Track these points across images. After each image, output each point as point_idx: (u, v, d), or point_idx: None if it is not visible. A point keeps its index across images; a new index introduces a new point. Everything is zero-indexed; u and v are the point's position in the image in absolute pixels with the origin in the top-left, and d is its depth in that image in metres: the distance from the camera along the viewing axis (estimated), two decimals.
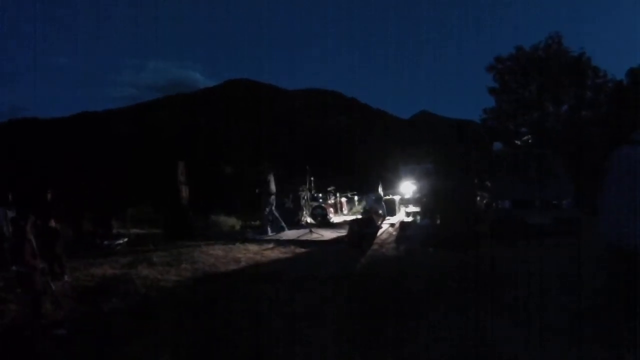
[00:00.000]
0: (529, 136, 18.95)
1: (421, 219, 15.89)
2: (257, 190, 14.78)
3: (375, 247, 12.38)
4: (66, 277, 9.04)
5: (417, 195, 18.48)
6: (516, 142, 16.24)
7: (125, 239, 12.88)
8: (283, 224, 15.10)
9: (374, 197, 18.57)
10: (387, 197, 19.96)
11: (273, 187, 14.83)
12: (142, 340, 5.96)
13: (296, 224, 16.40)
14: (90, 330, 6.32)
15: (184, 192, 14.97)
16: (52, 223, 9.52)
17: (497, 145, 17.08)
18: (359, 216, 15.66)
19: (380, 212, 16.97)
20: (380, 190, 19.11)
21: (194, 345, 5.85)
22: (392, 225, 15.77)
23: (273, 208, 14.92)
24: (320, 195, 18.73)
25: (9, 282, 7.55)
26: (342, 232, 14.14)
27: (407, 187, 19.86)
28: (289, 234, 14.54)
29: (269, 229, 14.92)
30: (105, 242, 12.30)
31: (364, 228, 12.88)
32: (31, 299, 6.02)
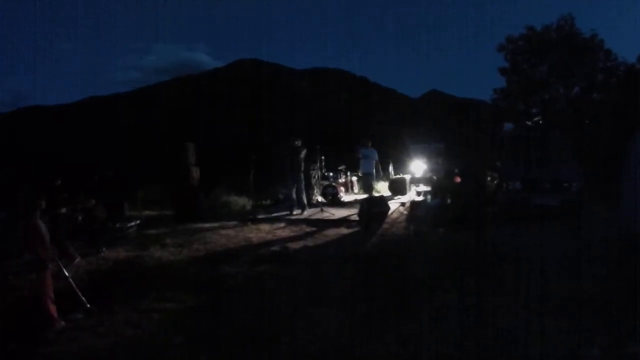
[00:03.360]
0: (539, 117, 18.81)
1: (432, 199, 15.90)
2: (289, 160, 14.33)
3: (385, 226, 12.41)
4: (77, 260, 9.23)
5: (428, 175, 18.48)
6: (527, 122, 16.14)
7: (137, 222, 12.90)
8: (305, 202, 14.88)
9: (364, 150, 16.83)
10: (398, 176, 19.95)
11: (303, 164, 14.67)
12: (157, 322, 6.06)
13: (307, 203, 16.44)
14: (106, 313, 6.40)
15: (195, 173, 15.00)
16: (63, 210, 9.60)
17: (508, 126, 17.02)
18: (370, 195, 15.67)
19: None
20: (369, 144, 17.25)
21: (204, 321, 5.96)
22: (402, 204, 15.77)
23: (302, 185, 14.78)
24: (331, 174, 18.73)
25: (22, 268, 7.64)
26: (353, 211, 14.17)
27: (418, 166, 19.86)
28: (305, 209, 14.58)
29: (301, 200, 14.70)
30: (118, 225, 12.34)
31: (375, 207, 12.90)
32: (43, 284, 6.08)
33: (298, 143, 14.52)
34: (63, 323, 5.98)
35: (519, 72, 37.03)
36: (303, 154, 14.50)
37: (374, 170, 16.18)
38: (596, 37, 35.14)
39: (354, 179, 21.03)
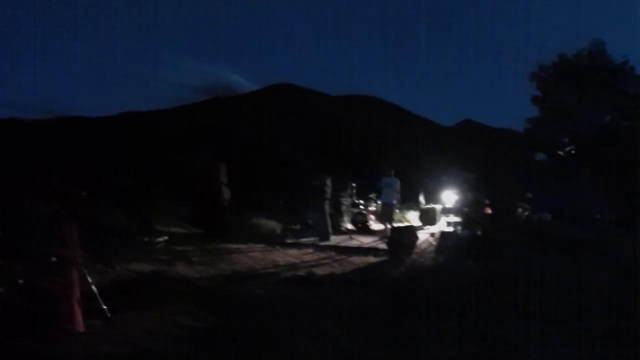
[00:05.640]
0: (572, 147, 18.53)
1: (462, 230, 15.72)
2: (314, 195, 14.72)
3: (414, 256, 12.33)
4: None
5: (459, 205, 18.32)
6: (559, 153, 15.93)
7: (166, 237, 12.98)
8: (330, 230, 14.91)
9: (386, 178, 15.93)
10: (429, 206, 19.81)
11: (329, 192, 14.75)
12: (175, 337, 6.05)
13: (336, 230, 16.34)
14: (124, 323, 6.41)
15: (225, 193, 15.11)
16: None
17: (540, 156, 16.80)
18: (400, 224, 15.54)
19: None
20: (392, 172, 16.21)
21: (223, 339, 5.97)
22: (432, 234, 15.63)
23: (327, 215, 14.80)
24: (362, 202, 18.65)
25: (44, 270, 7.68)
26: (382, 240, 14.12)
27: (449, 197, 19.70)
28: (329, 239, 14.52)
29: (325, 229, 14.73)
30: (146, 239, 12.41)
31: (404, 237, 12.82)
32: (70, 283, 6.05)
33: (320, 179, 14.91)
34: (82, 328, 5.96)
35: (552, 101, 36.46)
36: (326, 184, 14.71)
37: (394, 200, 15.83)
38: (627, 63, 34.52)
39: None
